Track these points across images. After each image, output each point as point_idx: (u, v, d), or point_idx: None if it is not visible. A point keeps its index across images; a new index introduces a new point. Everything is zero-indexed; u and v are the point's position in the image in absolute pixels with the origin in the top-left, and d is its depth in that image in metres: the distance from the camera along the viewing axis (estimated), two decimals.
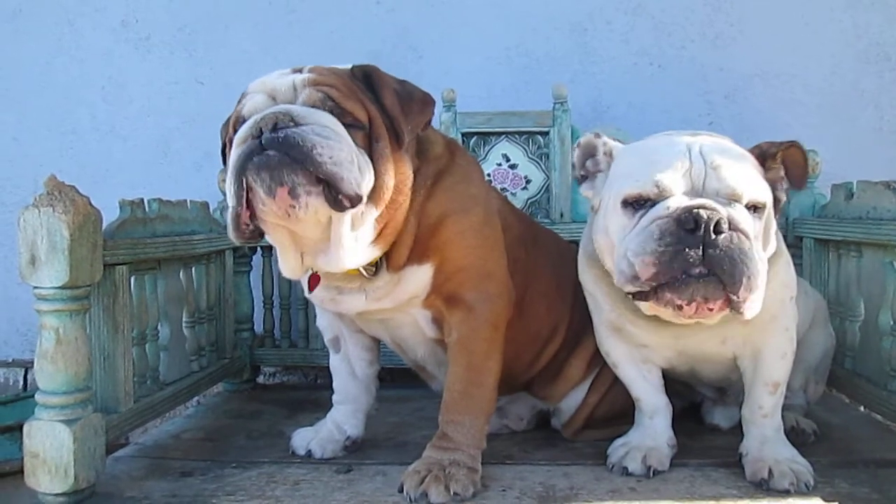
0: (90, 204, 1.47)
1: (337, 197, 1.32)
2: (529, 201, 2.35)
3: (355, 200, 1.34)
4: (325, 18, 2.61)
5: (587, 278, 1.60)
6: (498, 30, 2.57)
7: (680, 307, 1.31)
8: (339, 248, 1.40)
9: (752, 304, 1.32)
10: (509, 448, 1.74)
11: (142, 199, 1.80)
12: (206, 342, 2.16)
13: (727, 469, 1.56)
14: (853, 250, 1.93)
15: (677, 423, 1.66)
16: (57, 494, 1.43)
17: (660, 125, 2.45)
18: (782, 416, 1.58)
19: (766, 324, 1.51)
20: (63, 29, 2.69)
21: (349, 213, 1.37)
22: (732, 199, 1.34)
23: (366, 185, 1.36)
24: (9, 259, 2.69)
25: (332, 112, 1.37)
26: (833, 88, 2.51)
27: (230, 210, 1.38)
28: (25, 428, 1.44)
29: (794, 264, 1.63)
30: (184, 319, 2.05)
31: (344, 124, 1.37)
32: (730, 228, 1.28)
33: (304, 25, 2.62)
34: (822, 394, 1.93)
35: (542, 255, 1.77)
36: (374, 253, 1.47)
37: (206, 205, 2.19)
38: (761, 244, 1.37)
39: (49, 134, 2.70)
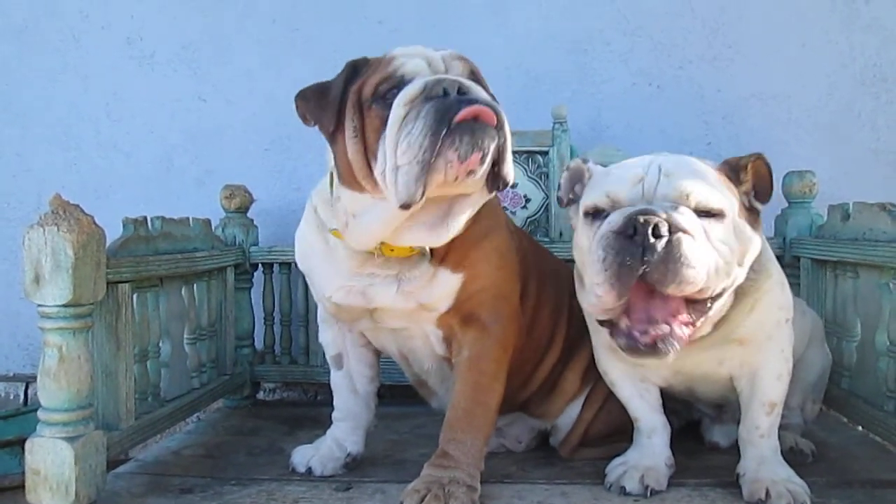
0: (94, 223, 1.49)
1: (498, 178, 1.39)
2: (529, 220, 2.37)
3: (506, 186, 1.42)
4: (327, 36, 2.63)
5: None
6: (498, 49, 2.58)
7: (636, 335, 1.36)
8: (455, 224, 1.44)
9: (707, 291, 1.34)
10: (507, 467, 1.75)
11: (145, 218, 1.82)
12: (207, 358, 2.17)
13: (724, 489, 1.57)
14: (850, 271, 1.95)
15: (676, 441, 1.66)
16: None
17: (658, 145, 2.49)
18: (781, 437, 1.59)
19: (762, 345, 1.52)
20: (68, 45, 2.71)
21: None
22: (679, 202, 1.36)
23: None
24: (11, 274, 2.69)
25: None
26: (829, 109, 2.53)
27: (412, 168, 1.32)
28: (27, 444, 1.45)
29: (792, 284, 1.65)
30: (185, 336, 2.06)
31: None
32: (671, 231, 1.30)
33: (307, 43, 2.64)
34: (818, 412, 1.95)
35: (540, 271, 1.78)
36: (458, 231, 1.47)
37: (207, 222, 2.20)
38: (729, 249, 1.36)
39: (52, 149, 2.72)
